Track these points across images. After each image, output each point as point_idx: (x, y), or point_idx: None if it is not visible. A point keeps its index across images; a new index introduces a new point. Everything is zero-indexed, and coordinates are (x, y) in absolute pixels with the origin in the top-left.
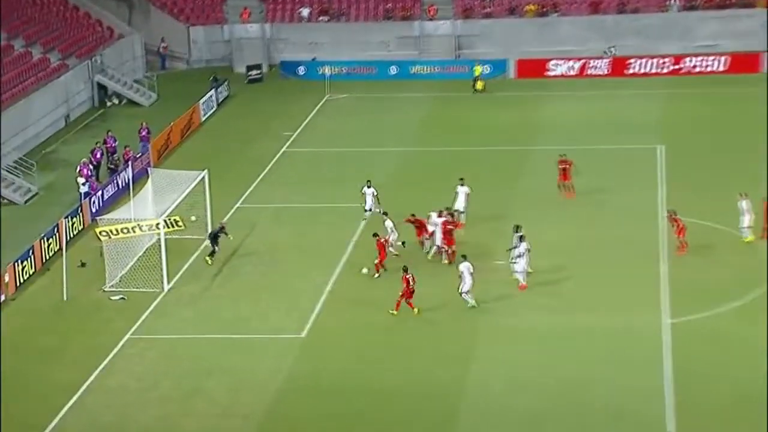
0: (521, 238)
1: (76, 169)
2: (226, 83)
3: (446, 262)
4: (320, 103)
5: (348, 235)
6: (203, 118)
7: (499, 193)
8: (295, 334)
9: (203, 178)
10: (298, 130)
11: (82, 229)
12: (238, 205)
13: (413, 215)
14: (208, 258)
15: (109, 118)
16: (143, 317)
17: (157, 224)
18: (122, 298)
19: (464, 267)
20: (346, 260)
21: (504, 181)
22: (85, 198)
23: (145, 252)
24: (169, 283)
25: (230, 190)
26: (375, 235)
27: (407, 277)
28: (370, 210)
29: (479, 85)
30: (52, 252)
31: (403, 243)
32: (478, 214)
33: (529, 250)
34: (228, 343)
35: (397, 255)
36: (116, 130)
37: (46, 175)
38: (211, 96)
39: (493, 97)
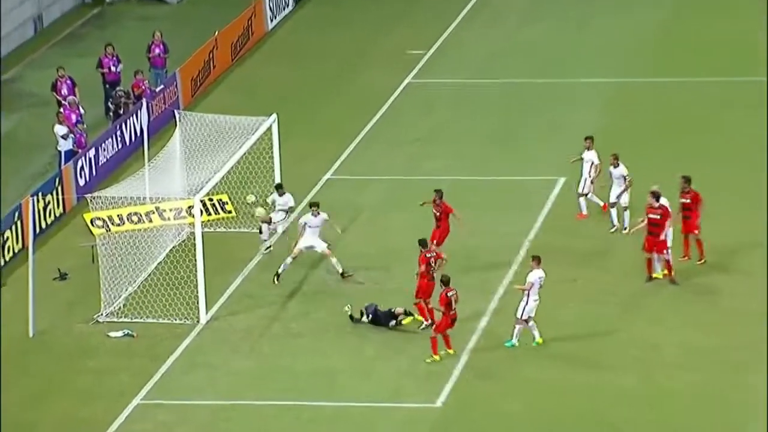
0: None
1: (57, 113)
2: None
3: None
4: (471, 2)
5: (519, 229)
6: (270, 26)
7: None
8: (423, 402)
9: (269, 128)
10: (433, 48)
11: (61, 215)
12: (327, 176)
13: (439, 191)
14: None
15: (109, 24)
16: (164, 368)
17: (190, 208)
18: (128, 334)
19: (535, 277)
20: (516, 273)
21: None
22: (67, 161)
23: (168, 256)
24: (208, 310)
25: (314, 149)
26: (422, 243)
27: (449, 294)
28: (268, 233)
29: None
30: (11, 254)
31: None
32: (728, 200)
33: None
34: (309, 415)
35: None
36: (121, 44)
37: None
38: None
39: None
